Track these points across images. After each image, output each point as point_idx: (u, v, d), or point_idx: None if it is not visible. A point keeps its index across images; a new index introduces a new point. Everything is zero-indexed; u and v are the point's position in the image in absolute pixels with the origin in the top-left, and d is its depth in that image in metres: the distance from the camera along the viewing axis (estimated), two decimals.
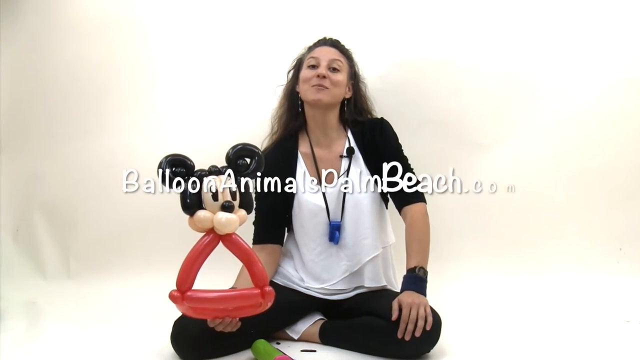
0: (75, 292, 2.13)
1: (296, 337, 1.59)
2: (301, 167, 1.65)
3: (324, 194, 1.60)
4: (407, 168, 1.64)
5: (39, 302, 2.02)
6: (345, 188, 1.60)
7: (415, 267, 1.48)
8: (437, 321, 1.43)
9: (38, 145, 2.33)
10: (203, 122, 2.20)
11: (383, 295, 1.59)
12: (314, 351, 1.53)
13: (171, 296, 1.21)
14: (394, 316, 1.39)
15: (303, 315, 1.62)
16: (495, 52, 2.04)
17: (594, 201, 2.03)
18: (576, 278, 1.97)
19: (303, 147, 1.68)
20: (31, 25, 2.33)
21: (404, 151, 1.67)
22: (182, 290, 1.22)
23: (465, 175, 2.05)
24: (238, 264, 1.84)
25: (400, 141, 1.68)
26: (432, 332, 1.42)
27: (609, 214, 2.02)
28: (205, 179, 1.21)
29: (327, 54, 1.62)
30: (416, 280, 1.47)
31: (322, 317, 1.63)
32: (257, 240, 1.64)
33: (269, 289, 1.25)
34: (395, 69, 2.03)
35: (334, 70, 1.61)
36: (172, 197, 2.16)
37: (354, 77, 1.69)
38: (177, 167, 1.23)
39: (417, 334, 1.38)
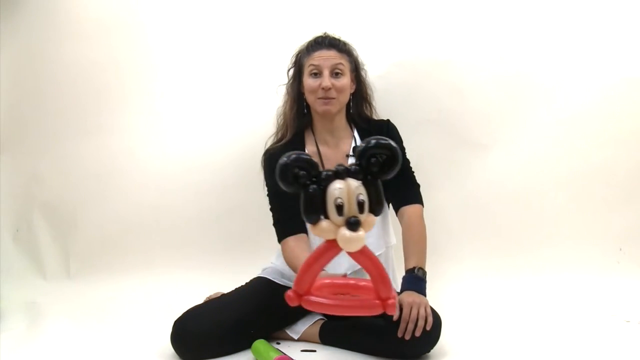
0: (75, 292, 2.13)
1: (296, 337, 1.60)
2: None
3: None
4: (408, 170, 1.64)
5: (39, 302, 2.02)
6: None
7: (414, 268, 1.48)
8: (437, 321, 1.43)
9: (38, 145, 2.33)
10: (203, 122, 2.20)
11: None
12: (314, 351, 1.53)
13: (287, 297, 1.11)
14: (395, 316, 1.39)
15: (303, 315, 1.62)
16: (495, 52, 2.04)
17: (594, 201, 2.03)
18: (576, 278, 1.97)
19: (309, 146, 1.67)
20: (31, 25, 2.33)
21: (406, 154, 1.67)
22: (299, 294, 1.14)
23: (465, 175, 2.07)
24: (241, 265, 1.84)
25: (400, 137, 1.69)
26: (432, 332, 1.42)
27: (609, 214, 2.02)
28: (331, 185, 1.04)
29: (327, 60, 1.59)
30: (416, 280, 1.47)
31: (322, 317, 1.63)
32: (287, 232, 1.58)
33: (391, 301, 1.13)
34: (395, 69, 2.03)
35: (337, 75, 1.59)
36: (172, 197, 2.19)
37: (356, 68, 1.68)
38: (302, 168, 1.04)
39: (417, 333, 1.38)
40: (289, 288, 1.61)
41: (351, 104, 1.68)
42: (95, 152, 2.25)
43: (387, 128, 1.67)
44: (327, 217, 1.03)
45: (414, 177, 1.66)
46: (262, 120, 1.83)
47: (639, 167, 2.02)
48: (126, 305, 1.97)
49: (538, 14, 2.03)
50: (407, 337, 1.39)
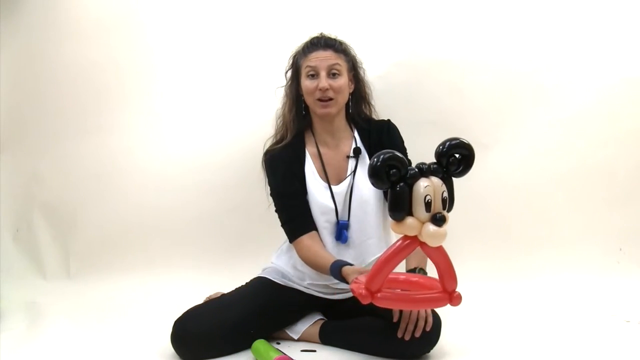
0: (75, 292, 2.13)
1: (296, 337, 1.59)
2: (309, 166, 1.64)
3: (332, 193, 1.60)
4: None
5: (39, 302, 2.02)
6: (352, 188, 1.60)
7: (415, 268, 1.48)
8: (437, 322, 1.43)
9: (38, 145, 2.33)
10: (203, 123, 2.20)
11: None
12: (314, 351, 1.53)
13: (359, 295, 1.14)
14: (395, 317, 1.39)
15: (303, 315, 1.62)
16: (495, 52, 2.04)
17: (594, 201, 2.03)
18: (576, 278, 1.97)
19: (310, 147, 1.66)
20: (31, 25, 2.33)
21: (407, 155, 1.67)
22: (372, 290, 1.14)
23: (465, 175, 2.06)
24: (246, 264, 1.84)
25: (402, 137, 1.68)
26: (432, 333, 1.42)
27: (609, 214, 2.02)
28: (419, 183, 1.07)
29: (324, 60, 1.58)
30: None
31: (322, 317, 1.63)
32: (296, 233, 1.58)
33: (457, 293, 1.18)
34: (395, 69, 2.03)
35: (334, 75, 1.59)
36: (172, 197, 2.19)
37: (353, 67, 1.67)
38: (392, 166, 1.07)
39: (417, 334, 1.38)
40: (289, 288, 1.63)
41: (350, 103, 1.67)
42: (95, 152, 2.25)
43: (388, 128, 1.67)
44: (410, 214, 1.07)
45: None
46: (262, 121, 1.83)
47: (639, 167, 2.02)
48: (126, 305, 1.97)
49: (538, 14, 2.03)
50: (407, 337, 1.39)
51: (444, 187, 1.09)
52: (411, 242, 1.10)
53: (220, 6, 2.19)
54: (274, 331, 1.60)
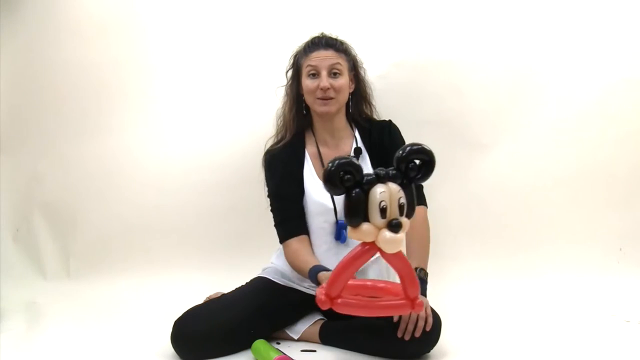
0: (75, 292, 2.13)
1: (296, 337, 1.59)
2: (308, 166, 1.64)
3: (332, 198, 1.60)
4: None
5: (39, 302, 2.02)
6: None
7: (416, 269, 1.48)
8: (437, 322, 1.43)
9: (38, 145, 2.33)
10: (203, 123, 2.20)
11: None
12: (314, 351, 1.53)
13: (319, 300, 1.14)
14: (395, 317, 1.39)
15: (303, 315, 1.62)
16: (495, 52, 2.04)
17: (594, 201, 2.03)
18: (576, 278, 1.97)
19: (310, 147, 1.67)
20: (31, 26, 2.33)
21: None
22: (331, 297, 1.14)
23: (465, 175, 2.07)
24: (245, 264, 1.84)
25: (403, 138, 1.68)
26: (432, 333, 1.42)
27: (609, 214, 2.02)
28: (374, 189, 1.06)
29: (324, 60, 1.59)
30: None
31: (322, 317, 1.63)
32: (286, 235, 1.60)
33: (419, 301, 1.17)
34: (395, 69, 2.03)
35: (335, 74, 1.59)
36: (172, 197, 2.19)
37: (354, 67, 1.67)
38: (347, 172, 1.05)
39: (417, 334, 1.38)
40: (289, 288, 1.63)
41: (350, 103, 1.67)
42: (95, 152, 2.25)
43: (389, 129, 1.67)
44: (366, 220, 1.06)
45: None
46: (261, 121, 1.83)
47: (639, 167, 2.02)
48: (126, 305, 1.97)
49: (538, 14, 2.03)
50: (407, 337, 1.39)
51: (401, 193, 1.07)
52: (370, 248, 1.09)
53: (220, 6, 2.19)
54: (274, 331, 1.60)
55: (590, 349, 1.50)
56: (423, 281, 1.48)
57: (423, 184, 1.64)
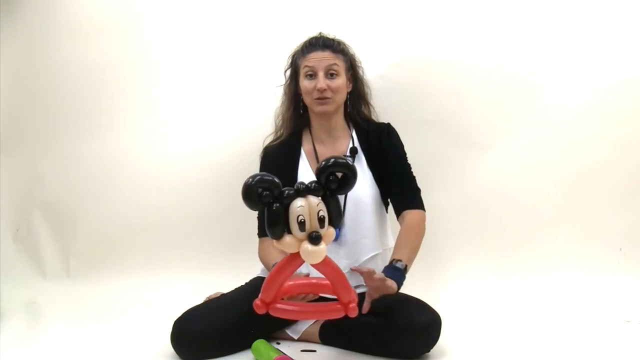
0: (75, 292, 2.13)
1: (296, 337, 1.59)
2: (304, 164, 1.65)
3: None
4: (409, 175, 1.65)
5: (39, 302, 2.02)
6: None
7: (396, 260, 1.46)
8: (436, 321, 1.43)
9: (38, 145, 2.33)
10: (203, 122, 2.20)
11: (383, 296, 1.59)
12: (314, 351, 1.53)
13: (255, 305, 1.21)
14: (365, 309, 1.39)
15: None
16: (495, 52, 2.04)
17: (594, 201, 2.03)
18: (576, 278, 1.97)
19: (306, 145, 1.68)
20: (31, 25, 2.33)
21: (407, 158, 1.67)
22: (266, 302, 1.21)
23: (465, 175, 2.07)
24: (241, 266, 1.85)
25: (402, 142, 1.69)
26: (431, 332, 1.42)
27: (609, 214, 2.02)
28: (293, 204, 1.09)
29: (321, 61, 1.59)
30: (392, 270, 1.44)
31: None
32: (261, 233, 1.65)
33: (352, 305, 1.21)
34: (395, 69, 2.03)
35: (332, 75, 1.60)
36: (172, 196, 2.19)
37: (351, 67, 1.68)
38: (265, 189, 1.09)
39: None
40: None
41: (348, 102, 1.68)
42: (95, 152, 2.25)
43: (388, 132, 1.67)
44: (290, 232, 1.10)
45: (415, 182, 1.66)
46: (262, 119, 1.83)
47: (639, 167, 2.02)
48: (126, 305, 1.97)
49: (538, 14, 2.03)
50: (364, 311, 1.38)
51: (321, 206, 1.11)
52: (295, 258, 1.14)
53: (220, 6, 2.19)
54: (274, 331, 1.60)
55: (590, 349, 1.50)
56: (399, 271, 1.44)
57: (420, 187, 1.66)
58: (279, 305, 1.23)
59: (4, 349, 1.57)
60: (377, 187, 1.63)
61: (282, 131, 1.71)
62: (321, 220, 1.11)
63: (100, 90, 2.26)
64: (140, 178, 2.22)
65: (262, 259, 1.61)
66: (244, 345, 1.50)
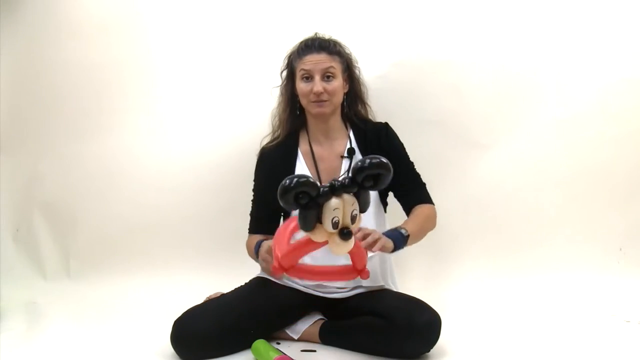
0: (75, 292, 2.13)
1: (296, 337, 1.60)
2: (301, 164, 1.65)
3: None
4: (413, 172, 1.67)
5: (39, 302, 2.02)
6: None
7: (400, 227, 1.48)
8: (436, 321, 1.43)
9: (38, 145, 2.33)
10: (203, 122, 2.20)
11: (383, 296, 1.59)
12: (314, 351, 1.53)
13: (273, 268, 1.24)
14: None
15: (303, 315, 1.63)
16: (495, 52, 2.04)
17: (594, 201, 2.03)
18: (576, 278, 1.97)
19: (303, 146, 1.68)
20: (31, 25, 2.33)
21: (409, 157, 1.68)
22: (285, 267, 1.24)
23: (465, 175, 2.07)
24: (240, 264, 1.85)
25: (401, 141, 1.69)
26: (431, 332, 1.42)
27: (609, 214, 2.02)
28: (329, 204, 1.11)
29: (317, 64, 1.58)
30: (394, 231, 1.46)
31: (322, 317, 1.63)
32: (252, 230, 1.70)
33: (366, 271, 1.30)
34: (395, 69, 2.03)
35: (328, 77, 1.59)
36: (172, 196, 2.19)
37: (348, 68, 1.67)
38: (303, 192, 1.09)
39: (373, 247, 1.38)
40: (289, 288, 1.64)
41: (345, 103, 1.68)
42: (95, 152, 2.25)
43: (386, 132, 1.67)
44: (321, 222, 1.12)
45: (420, 178, 1.67)
46: (260, 120, 1.83)
47: (639, 167, 2.02)
48: (126, 305, 1.97)
49: (538, 14, 2.03)
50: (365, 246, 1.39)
51: (355, 205, 1.14)
52: (321, 242, 1.17)
53: (218, 7, 2.18)
54: (274, 331, 1.60)
55: (590, 349, 1.50)
56: (401, 234, 1.46)
57: (421, 188, 1.66)
58: (296, 267, 1.26)
59: (4, 349, 1.57)
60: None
61: (279, 132, 1.71)
62: (354, 218, 1.14)
63: (100, 90, 2.26)
64: (140, 178, 2.22)
65: (248, 249, 1.67)
66: (244, 345, 1.50)
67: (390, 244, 1.39)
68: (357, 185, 1.13)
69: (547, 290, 1.94)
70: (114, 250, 2.22)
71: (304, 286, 1.63)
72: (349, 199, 1.12)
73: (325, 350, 1.53)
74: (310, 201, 1.09)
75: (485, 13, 2.05)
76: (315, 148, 1.66)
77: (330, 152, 1.65)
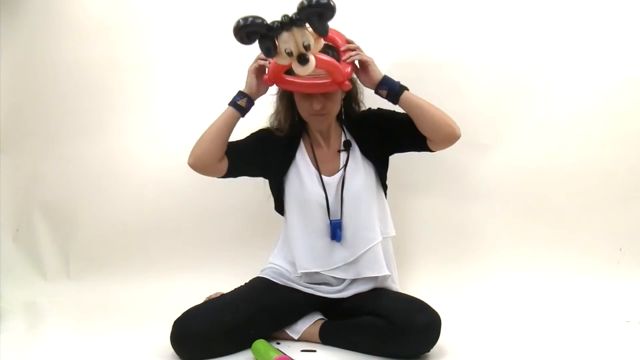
0: (75, 292, 2.13)
1: (296, 337, 1.60)
2: (302, 154, 1.65)
3: (323, 183, 1.60)
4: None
5: (39, 302, 2.02)
6: (343, 181, 1.60)
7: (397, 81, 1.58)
8: (436, 321, 1.43)
9: (38, 145, 2.33)
10: (203, 122, 2.19)
11: (383, 295, 1.59)
12: (314, 351, 1.53)
13: (264, 79, 1.52)
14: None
15: (303, 315, 1.63)
16: (495, 52, 2.04)
17: (593, 201, 2.03)
18: (576, 278, 1.97)
19: (303, 147, 1.68)
20: (31, 25, 2.32)
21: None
22: (273, 80, 1.51)
23: (465, 175, 2.07)
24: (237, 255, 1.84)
25: (386, 108, 1.69)
26: (431, 332, 1.42)
27: (609, 214, 2.02)
28: (280, 37, 1.28)
29: None
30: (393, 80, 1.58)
31: (322, 317, 1.63)
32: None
33: (347, 83, 1.47)
34: (395, 69, 2.02)
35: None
36: (172, 197, 2.19)
37: None
38: (253, 32, 1.29)
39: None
40: (288, 288, 1.64)
41: (342, 108, 1.68)
42: (95, 152, 2.25)
43: (370, 112, 1.69)
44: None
45: None
46: (260, 120, 1.82)
47: (639, 167, 2.02)
48: (126, 305, 1.97)
49: (538, 14, 2.03)
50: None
51: (306, 37, 1.27)
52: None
53: (220, 6, 2.18)
54: (274, 331, 1.60)
55: (590, 349, 1.50)
56: (397, 82, 1.61)
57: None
58: (287, 78, 1.46)
59: (4, 349, 1.57)
60: (373, 176, 1.63)
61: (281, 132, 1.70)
62: (306, 47, 1.28)
63: (100, 90, 2.25)
64: (140, 178, 2.22)
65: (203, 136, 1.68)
66: (244, 345, 1.50)
67: (372, 60, 1.55)
68: (304, 21, 1.24)
69: (547, 290, 1.94)
70: (114, 250, 2.22)
71: (304, 286, 1.63)
72: (298, 31, 1.25)
73: (325, 350, 1.53)
74: (264, 36, 1.27)
75: (486, 13, 2.05)
76: (316, 150, 1.66)
77: (329, 150, 1.66)
